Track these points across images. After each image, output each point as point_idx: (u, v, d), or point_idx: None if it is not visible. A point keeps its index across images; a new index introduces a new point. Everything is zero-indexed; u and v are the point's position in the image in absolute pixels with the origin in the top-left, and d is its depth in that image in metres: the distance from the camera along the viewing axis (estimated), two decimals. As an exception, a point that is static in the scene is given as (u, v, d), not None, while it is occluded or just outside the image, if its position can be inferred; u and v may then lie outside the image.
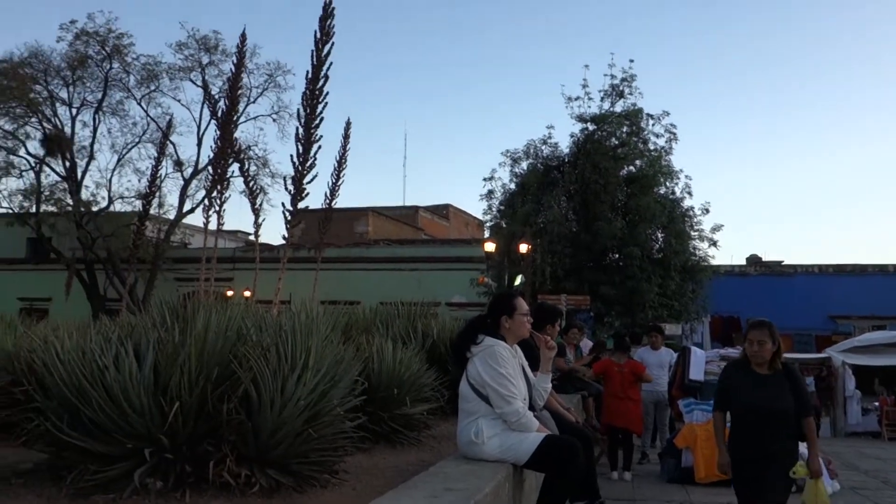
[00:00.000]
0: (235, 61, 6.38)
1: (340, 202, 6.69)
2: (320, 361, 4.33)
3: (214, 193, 6.29)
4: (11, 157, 33.44)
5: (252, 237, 7.36)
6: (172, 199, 34.23)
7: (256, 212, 6.56)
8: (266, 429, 4.01)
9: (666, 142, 24.71)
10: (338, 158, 6.54)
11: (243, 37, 6.30)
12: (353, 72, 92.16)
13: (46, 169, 33.70)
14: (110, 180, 34.24)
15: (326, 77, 5.83)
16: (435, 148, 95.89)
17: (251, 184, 6.77)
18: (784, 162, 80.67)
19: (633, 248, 22.43)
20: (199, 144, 33.32)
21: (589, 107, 24.81)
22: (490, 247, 23.78)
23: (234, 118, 6.37)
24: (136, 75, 33.53)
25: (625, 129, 24.48)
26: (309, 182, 5.92)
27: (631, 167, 24.44)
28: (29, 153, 33.65)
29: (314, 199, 6.01)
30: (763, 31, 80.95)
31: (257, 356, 4.11)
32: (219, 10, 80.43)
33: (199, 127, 33.87)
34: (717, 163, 79.88)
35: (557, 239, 22.96)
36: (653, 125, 24.73)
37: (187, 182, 33.58)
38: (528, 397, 4.56)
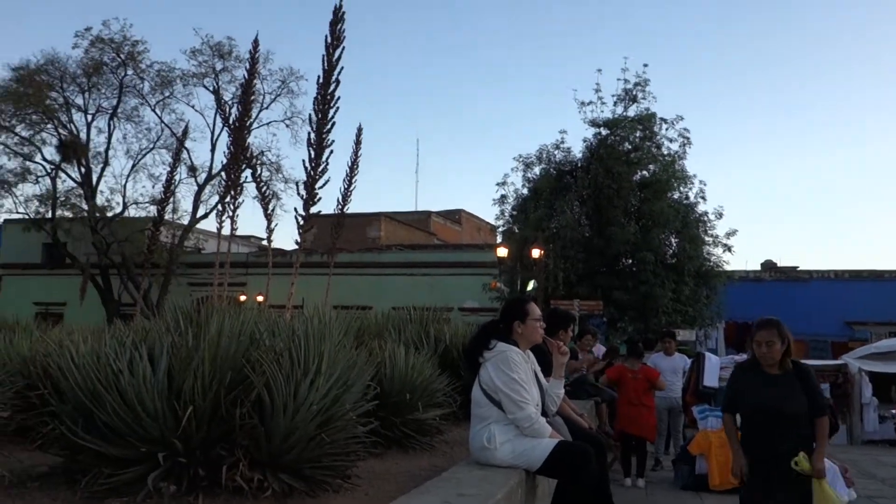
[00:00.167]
0: (248, 67, 6.41)
1: (353, 207, 6.71)
2: (333, 366, 4.33)
3: (228, 199, 6.31)
4: (28, 162, 33.79)
5: (265, 242, 7.39)
6: (186, 204, 34.46)
7: (269, 217, 6.57)
8: (279, 433, 4.01)
9: (680, 146, 24.67)
10: (350, 164, 6.55)
11: (256, 42, 6.32)
12: (366, 77, 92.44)
13: (62, 175, 34.04)
14: (125, 186, 34.52)
15: (338, 82, 5.84)
16: (447, 153, 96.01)
17: (264, 189, 6.78)
18: (800, 167, 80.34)
19: (646, 253, 22.37)
20: (213, 150, 33.57)
21: (602, 111, 24.82)
22: (502, 252, 23.76)
23: (248, 124, 6.40)
24: (151, 82, 33.84)
25: (638, 133, 24.43)
26: (321, 187, 5.93)
27: (644, 172, 24.38)
28: (45, 159, 34.00)
29: (327, 204, 6.03)
30: (776, 33, 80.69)
31: (270, 361, 4.12)
32: (233, 16, 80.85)
33: (212, 133, 34.10)
34: (731, 167, 79.63)
35: (570, 244, 22.93)
36: (666, 130, 24.71)
37: (201, 187, 33.79)
38: (540, 403, 4.55)
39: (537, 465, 4.29)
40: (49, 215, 33.42)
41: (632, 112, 24.67)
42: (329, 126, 5.87)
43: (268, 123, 34.74)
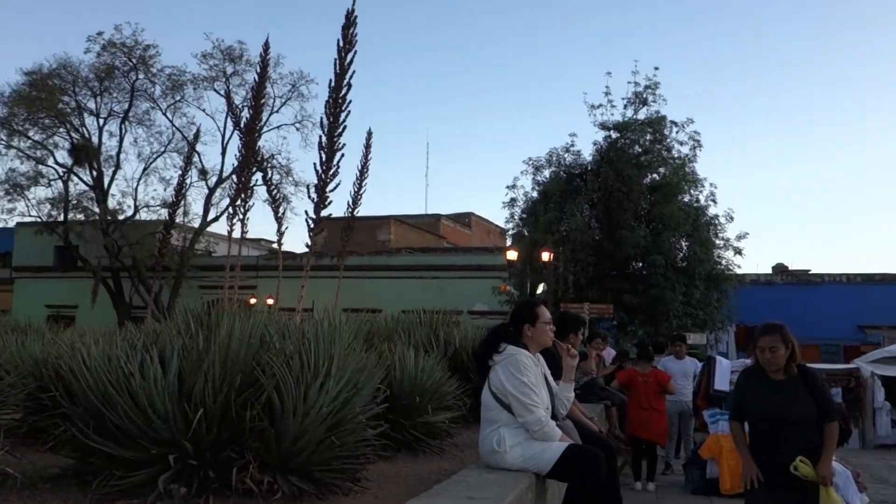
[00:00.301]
0: (258, 70, 6.42)
1: (363, 210, 6.70)
2: (343, 369, 4.34)
3: (238, 202, 6.33)
4: (40, 166, 33.99)
5: (275, 245, 7.40)
6: (197, 207, 34.60)
7: (280, 220, 6.59)
8: (289, 436, 4.02)
9: (690, 149, 24.61)
10: (360, 167, 6.56)
11: (266, 46, 6.34)
12: (376, 80, 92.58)
13: (74, 178, 34.23)
14: (136, 189, 34.72)
15: (349, 85, 5.85)
16: (457, 156, 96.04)
17: (275, 192, 6.80)
18: (812, 169, 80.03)
19: (656, 256, 22.31)
20: (224, 153, 33.69)
21: (612, 114, 24.80)
22: (512, 255, 23.74)
23: (258, 127, 6.42)
24: (162, 86, 33.99)
25: (648, 136, 24.39)
26: (332, 190, 5.93)
27: (654, 175, 24.33)
28: (57, 162, 34.21)
29: (337, 207, 6.01)
30: (788, 34, 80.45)
31: (280, 363, 4.13)
32: (243, 20, 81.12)
33: (223, 136, 34.25)
34: (742, 169, 79.40)
35: (580, 247, 22.90)
36: (676, 132, 24.66)
37: (212, 191, 33.93)
38: (550, 406, 4.55)
39: (547, 469, 4.29)
40: (61, 218, 33.61)
41: (642, 115, 24.65)
42: (340, 130, 5.88)
43: (278, 127, 34.90)
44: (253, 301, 20.82)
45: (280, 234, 6.58)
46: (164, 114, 34.53)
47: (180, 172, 8.19)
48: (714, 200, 24.59)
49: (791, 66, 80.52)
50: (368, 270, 32.67)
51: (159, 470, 3.76)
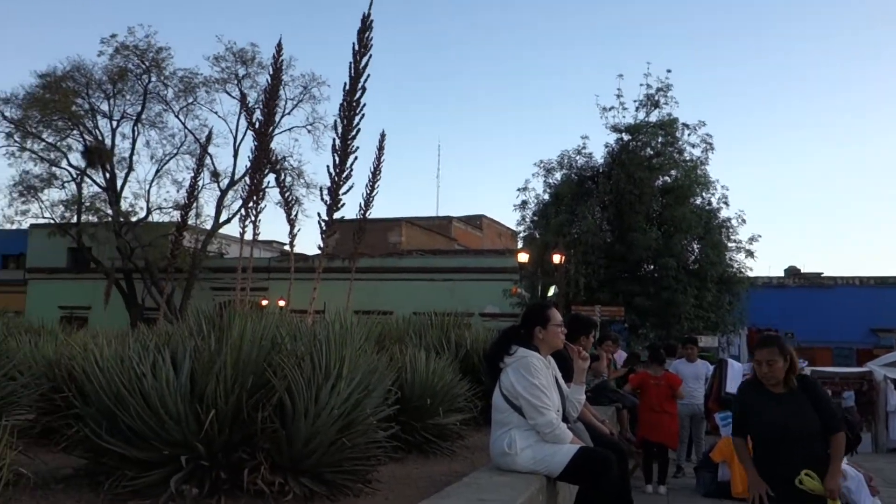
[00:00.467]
0: (272, 73, 6.45)
1: (374, 213, 6.72)
2: (354, 371, 4.35)
3: (251, 204, 6.35)
4: (54, 168, 34.19)
5: (287, 247, 7.42)
6: (209, 209, 34.76)
7: (292, 222, 6.61)
8: (300, 437, 4.03)
9: (702, 152, 24.55)
10: (372, 169, 6.58)
11: (279, 48, 6.36)
12: (388, 82, 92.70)
13: (87, 180, 34.39)
14: (149, 191, 34.91)
15: (364, 89, 5.86)
16: (468, 158, 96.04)
17: (287, 194, 6.82)
18: (825, 171, 79.66)
19: (668, 258, 22.25)
20: (236, 155, 33.81)
21: (624, 117, 24.77)
22: (523, 257, 23.72)
23: (271, 129, 6.44)
24: (174, 88, 34.15)
25: (660, 139, 24.34)
26: (345, 193, 5.95)
27: (666, 177, 24.28)
28: (70, 165, 34.41)
29: (348, 209, 6.04)
30: (800, 36, 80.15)
31: (292, 365, 4.14)
32: (255, 23, 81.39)
33: (235, 138, 34.37)
34: (755, 171, 79.07)
35: (591, 250, 22.85)
36: (688, 135, 24.60)
37: (224, 193, 34.04)
38: (561, 409, 4.54)
39: (558, 471, 4.28)
40: (74, 220, 33.79)
41: (654, 117, 24.61)
42: (354, 133, 5.90)
43: (290, 129, 34.99)
44: (264, 303, 20.85)
45: (292, 236, 6.60)
46: (177, 116, 34.74)
47: (192, 174, 8.22)
48: (726, 203, 24.55)
49: (804, 66, 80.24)
50: (380, 272, 32.72)
51: (171, 471, 3.77)
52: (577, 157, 25.27)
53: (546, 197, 25.12)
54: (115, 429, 3.89)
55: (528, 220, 25.66)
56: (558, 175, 25.22)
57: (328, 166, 5.89)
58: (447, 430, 6.15)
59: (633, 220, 22.96)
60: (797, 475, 4.53)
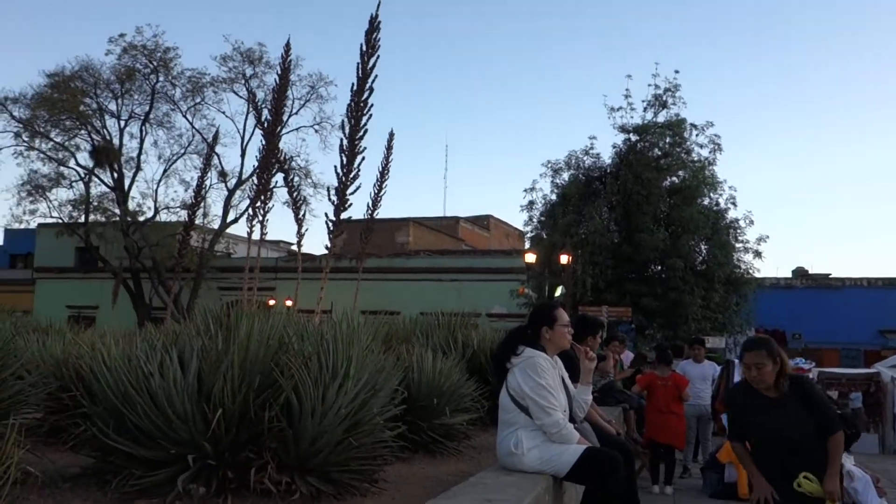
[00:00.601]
0: (279, 72, 6.46)
1: (382, 213, 6.73)
2: (361, 370, 4.35)
3: (258, 204, 6.36)
4: (62, 168, 34.28)
5: (294, 247, 7.44)
6: (217, 209, 34.86)
7: (299, 222, 6.62)
8: (307, 437, 4.03)
9: (710, 152, 24.52)
10: (380, 169, 6.58)
11: (287, 47, 6.37)
12: (395, 82, 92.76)
13: (95, 179, 34.51)
14: (156, 191, 35.05)
15: (371, 89, 5.87)
16: (476, 158, 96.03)
17: (294, 194, 6.83)
18: (833, 172, 79.42)
19: (675, 259, 22.23)
20: (243, 155, 33.85)
21: (632, 117, 24.77)
22: (531, 258, 23.72)
23: (279, 129, 6.45)
24: (182, 88, 34.23)
25: (668, 139, 24.31)
26: (353, 193, 5.96)
27: (674, 178, 24.27)
28: (78, 164, 34.52)
29: (356, 209, 6.04)
30: (806, 35, 79.92)
31: (299, 365, 4.14)
32: (262, 22, 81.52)
33: (242, 138, 34.43)
34: (762, 173, 78.88)
35: (599, 250, 22.84)
36: (696, 135, 24.58)
37: (231, 192, 34.12)
38: (568, 409, 4.53)
39: (565, 472, 4.28)
40: (82, 220, 33.90)
41: (662, 118, 24.59)
42: (362, 133, 5.90)
43: (297, 128, 35.04)
44: (272, 302, 20.89)
45: (300, 235, 6.61)
46: (185, 116, 34.83)
47: (200, 174, 8.24)
48: (734, 203, 24.52)
49: (811, 67, 80.00)
50: (387, 272, 32.74)
51: (178, 470, 3.78)
52: (585, 158, 25.30)
53: (553, 197, 25.13)
54: (122, 428, 3.90)
55: (535, 220, 25.68)
56: (566, 175, 25.24)
57: (335, 166, 5.90)
58: (454, 430, 6.15)
59: (640, 220, 22.94)
60: (794, 480, 4.43)
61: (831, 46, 79.43)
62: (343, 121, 5.90)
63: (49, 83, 32.73)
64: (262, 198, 6.33)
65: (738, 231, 24.35)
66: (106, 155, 33.44)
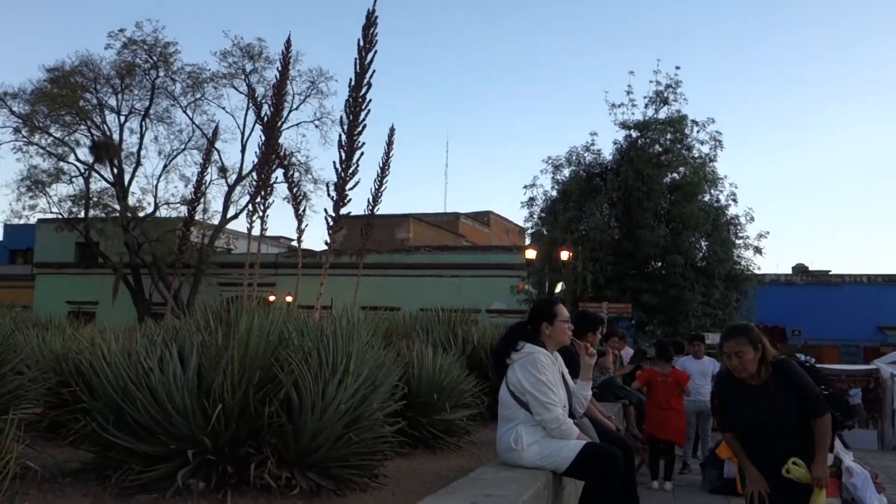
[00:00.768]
0: (279, 67, 6.45)
1: (382, 208, 6.72)
2: (361, 366, 4.35)
3: (258, 199, 6.36)
4: (61, 163, 34.26)
5: (294, 243, 7.43)
6: (217, 204, 34.90)
7: (299, 218, 6.61)
8: (307, 432, 4.03)
9: (711, 149, 24.53)
10: (381, 165, 6.57)
11: (288, 43, 6.36)
12: (395, 77, 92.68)
13: (95, 175, 34.48)
14: (156, 186, 35.09)
15: (369, 84, 5.86)
16: (477, 154, 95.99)
17: (294, 190, 6.82)
18: (833, 169, 79.37)
19: (676, 256, 22.25)
20: (243, 151, 33.86)
21: (633, 113, 24.76)
22: (531, 254, 23.74)
23: (279, 124, 6.44)
24: (182, 83, 34.21)
25: (669, 136, 24.31)
26: (351, 188, 5.95)
27: (674, 174, 24.28)
28: (78, 159, 34.51)
29: (356, 205, 6.04)
30: (809, 29, 79.83)
31: (299, 360, 4.14)
32: (262, 17, 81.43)
33: (242, 133, 34.41)
34: (763, 169, 78.87)
35: (599, 246, 22.85)
36: (697, 132, 24.59)
37: (231, 188, 34.13)
38: (567, 405, 4.54)
39: (564, 467, 4.28)
40: (82, 215, 33.90)
41: (663, 114, 24.59)
42: (360, 128, 5.90)
43: (297, 124, 35.02)
44: (272, 298, 20.89)
45: (299, 231, 6.60)
46: (185, 111, 34.82)
47: (200, 170, 8.22)
48: (734, 200, 24.56)
49: (811, 66, 79.91)
50: (387, 268, 32.73)
51: (178, 465, 3.78)
52: (586, 154, 25.31)
53: (554, 193, 25.14)
54: (122, 423, 3.90)
55: (535, 216, 25.69)
56: (566, 172, 25.25)
57: (335, 162, 5.89)
58: (454, 426, 6.16)
59: (641, 216, 22.95)
60: (783, 467, 4.38)
61: (830, 44, 79.38)
62: (342, 116, 5.90)
63: (49, 78, 32.73)
64: (262, 193, 6.32)
65: (739, 227, 24.41)
66: (106, 150, 33.42)
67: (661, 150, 24.29)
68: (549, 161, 25.42)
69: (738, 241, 24.26)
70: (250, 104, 28.49)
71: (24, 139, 33.66)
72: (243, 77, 33.81)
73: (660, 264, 23.44)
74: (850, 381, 18.10)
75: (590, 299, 20.68)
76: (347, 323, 4.60)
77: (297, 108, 34.33)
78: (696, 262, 23.31)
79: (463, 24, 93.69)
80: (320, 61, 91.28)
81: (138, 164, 34.61)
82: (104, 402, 4.03)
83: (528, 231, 27.11)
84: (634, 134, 24.53)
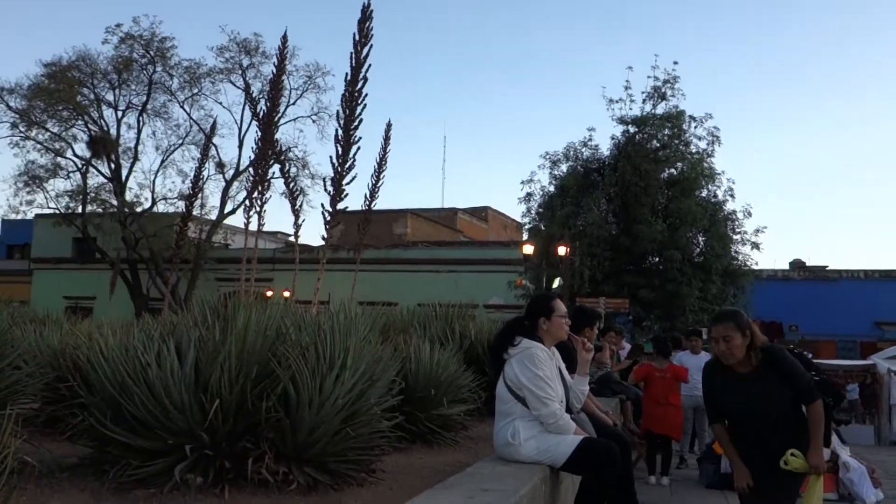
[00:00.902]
0: (276, 62, 6.43)
1: (379, 204, 6.71)
2: (358, 361, 4.35)
3: (255, 195, 6.35)
4: (59, 158, 34.23)
5: (292, 238, 7.42)
6: (214, 200, 35.01)
7: (296, 213, 6.61)
8: (304, 427, 4.03)
9: (708, 144, 24.53)
10: (378, 160, 6.56)
11: (284, 38, 6.35)
12: (393, 73, 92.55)
13: (92, 170, 34.46)
14: (154, 181, 35.03)
15: (365, 79, 5.85)
16: (474, 149, 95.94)
17: (291, 185, 6.81)
18: (831, 164, 79.40)
19: (673, 251, 22.27)
20: (241, 146, 33.89)
21: (630, 109, 24.75)
22: (528, 249, 23.74)
23: (275, 119, 6.43)
24: (179, 78, 34.19)
25: (666, 131, 24.32)
26: (348, 183, 5.94)
27: (672, 170, 24.29)
28: (76, 155, 34.49)
29: (353, 200, 6.03)
30: (809, 28, 79.76)
31: (296, 355, 4.14)
32: (258, 12, 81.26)
33: (240, 129, 34.42)
34: (760, 165, 78.87)
35: (596, 242, 22.87)
36: (695, 127, 24.60)
37: (229, 183, 34.12)
38: (565, 400, 4.54)
39: (561, 462, 4.29)
40: (79, 210, 33.85)
41: (660, 110, 24.61)
42: (356, 123, 5.88)
43: (294, 119, 35.02)
44: (269, 293, 20.89)
45: (297, 226, 6.59)
46: (182, 106, 34.80)
47: (197, 165, 8.21)
48: (732, 195, 24.59)
49: (809, 62, 79.88)
50: (384, 264, 32.73)
51: (176, 460, 3.78)
52: (583, 150, 25.32)
53: (552, 189, 25.16)
54: (119, 418, 3.89)
55: (533, 211, 25.72)
56: (564, 167, 25.27)
57: (331, 157, 5.88)
58: (451, 421, 6.16)
59: (638, 212, 22.97)
60: (775, 458, 4.31)
61: (828, 39, 79.34)
62: (338, 111, 5.89)
63: (46, 73, 32.69)
64: (259, 189, 6.31)
65: (736, 223, 24.43)
66: (103, 145, 33.39)
67: (658, 145, 24.29)
68: (547, 156, 25.46)
69: (735, 237, 24.29)
70: (247, 100, 28.48)
71: (22, 134, 33.65)
72: (240, 72, 33.81)
73: (657, 260, 23.47)
74: (847, 376, 18.13)
75: (587, 294, 20.69)
76: (345, 318, 4.60)
77: (294, 104, 34.37)
78: (693, 258, 23.34)
79: (460, 18, 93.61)
80: (317, 56, 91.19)
81: (136, 159, 34.63)
82: (102, 398, 4.03)
83: (526, 226, 27.13)
84: (632, 129, 24.53)
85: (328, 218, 6.04)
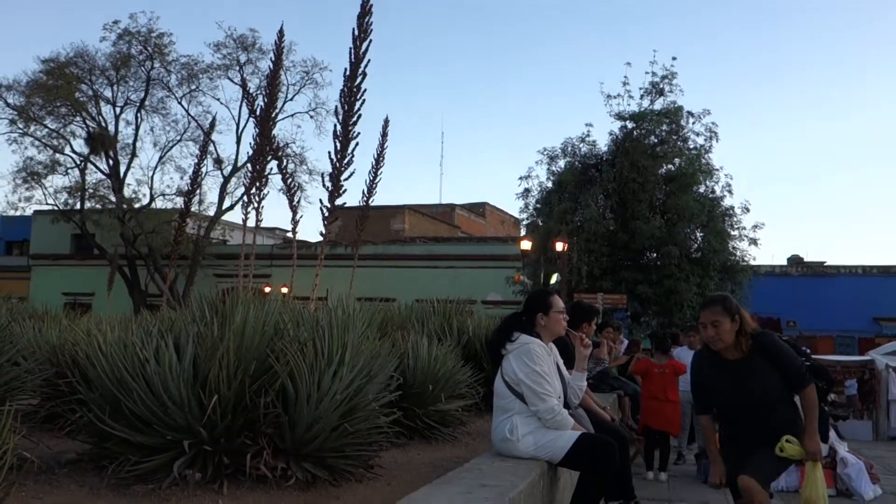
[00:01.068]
0: (273, 58, 6.43)
1: (377, 199, 6.71)
2: (356, 357, 4.36)
3: (253, 191, 6.35)
4: (57, 155, 34.21)
5: (290, 234, 7.43)
6: (212, 196, 34.91)
7: (294, 209, 6.61)
8: (302, 423, 4.04)
9: (706, 140, 24.54)
10: (375, 156, 6.56)
11: (281, 33, 6.34)
12: (391, 68, 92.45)
13: (91, 166, 34.43)
14: (152, 178, 34.95)
15: (364, 74, 5.85)
16: (472, 145, 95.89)
17: (289, 181, 6.81)
18: (829, 160, 79.41)
19: (671, 247, 22.28)
20: (238, 142, 33.90)
21: (629, 105, 24.76)
22: (526, 245, 23.73)
23: (273, 115, 6.42)
24: (177, 74, 34.17)
25: (664, 127, 24.31)
26: (346, 179, 5.94)
27: (670, 166, 24.29)
28: (74, 151, 34.49)
29: (351, 196, 6.03)
30: (808, 24, 79.70)
31: (294, 351, 4.15)
32: (255, 7, 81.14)
33: (237, 125, 34.41)
34: (758, 160, 78.88)
35: (594, 238, 22.88)
36: (693, 123, 24.60)
37: (227, 179, 34.10)
38: (563, 395, 4.56)
39: (559, 457, 4.30)
40: (78, 207, 33.84)
41: (658, 105, 24.60)
42: (355, 119, 5.88)
43: (292, 115, 34.99)
44: (267, 289, 20.87)
45: (295, 222, 6.60)
46: (180, 102, 34.78)
47: (195, 161, 8.22)
48: (730, 191, 24.60)
49: (807, 58, 79.83)
50: (382, 259, 32.75)
51: (174, 455, 3.79)
52: (581, 145, 25.32)
53: (549, 185, 25.15)
54: (118, 414, 3.90)
55: (531, 207, 25.73)
56: (562, 163, 25.27)
57: (329, 152, 5.88)
58: (449, 417, 6.17)
59: (636, 208, 22.98)
60: (769, 445, 4.26)
61: (827, 37, 79.32)
62: (336, 106, 5.88)
63: (44, 70, 32.66)
64: (257, 185, 6.31)
65: (734, 219, 24.42)
66: (101, 142, 33.37)
67: (656, 141, 24.30)
68: (545, 152, 25.47)
69: (733, 233, 24.29)
70: (244, 96, 28.50)
71: (20, 131, 33.64)
72: (238, 68, 33.78)
73: (655, 255, 23.48)
74: (846, 372, 18.17)
75: (585, 290, 20.70)
76: (343, 314, 4.60)
77: (291, 99, 34.40)
78: (691, 254, 23.35)
79: (459, 14, 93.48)
80: (315, 52, 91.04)
81: (134, 155, 34.60)
82: (100, 393, 4.04)
83: (524, 222, 27.14)
84: (630, 125, 24.53)
85: (326, 214, 6.04)
